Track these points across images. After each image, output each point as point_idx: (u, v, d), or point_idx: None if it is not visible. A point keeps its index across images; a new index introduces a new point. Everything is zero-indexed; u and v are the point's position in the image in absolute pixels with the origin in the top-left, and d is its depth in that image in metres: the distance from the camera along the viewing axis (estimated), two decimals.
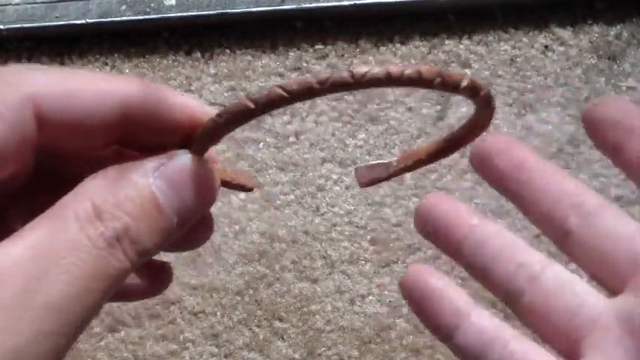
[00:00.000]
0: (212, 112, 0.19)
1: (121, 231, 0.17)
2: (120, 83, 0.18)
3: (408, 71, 0.19)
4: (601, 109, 0.23)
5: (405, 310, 0.58)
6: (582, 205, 0.22)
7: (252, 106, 0.18)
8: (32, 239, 0.16)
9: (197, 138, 0.19)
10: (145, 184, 0.17)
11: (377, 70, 0.19)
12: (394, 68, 0.19)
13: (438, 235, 0.24)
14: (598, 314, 0.22)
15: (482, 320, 0.23)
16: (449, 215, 0.24)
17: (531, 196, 0.23)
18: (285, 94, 0.18)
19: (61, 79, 0.17)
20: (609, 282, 0.22)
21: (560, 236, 0.23)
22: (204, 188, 0.18)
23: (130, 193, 0.17)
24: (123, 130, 0.18)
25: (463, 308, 0.23)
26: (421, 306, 0.24)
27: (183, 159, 0.18)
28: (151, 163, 0.18)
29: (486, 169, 0.24)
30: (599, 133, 0.23)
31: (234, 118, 0.18)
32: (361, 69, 0.18)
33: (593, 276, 0.22)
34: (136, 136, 0.19)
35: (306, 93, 0.18)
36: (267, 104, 0.18)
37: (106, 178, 0.17)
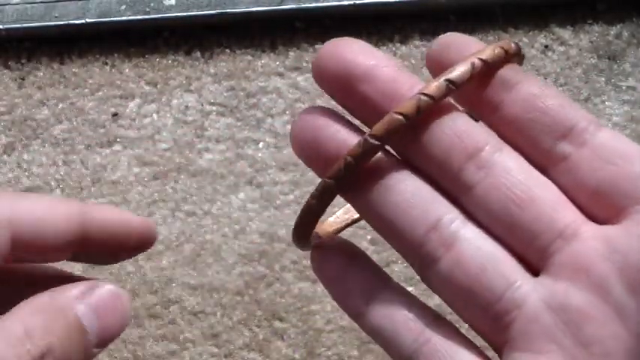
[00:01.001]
0: (148, 222, 0.23)
1: (46, 349, 0.19)
2: (67, 208, 0.22)
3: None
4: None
5: None
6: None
7: None
8: None
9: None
10: (70, 310, 0.20)
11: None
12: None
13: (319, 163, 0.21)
14: (523, 297, 0.19)
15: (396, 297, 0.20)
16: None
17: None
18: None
19: (32, 204, 0.21)
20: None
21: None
22: (120, 313, 0.22)
23: (58, 317, 0.20)
24: (77, 247, 0.22)
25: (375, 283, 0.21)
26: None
27: (105, 288, 0.21)
28: (76, 290, 0.20)
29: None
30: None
31: None
32: None
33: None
34: (86, 248, 0.22)
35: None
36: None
37: (38, 303, 0.20)
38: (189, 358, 0.59)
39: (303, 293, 0.59)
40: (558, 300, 0.19)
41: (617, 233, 0.19)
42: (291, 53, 0.66)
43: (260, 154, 0.63)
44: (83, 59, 0.67)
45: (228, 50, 0.66)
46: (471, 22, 0.66)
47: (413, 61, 0.65)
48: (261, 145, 0.63)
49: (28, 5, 0.66)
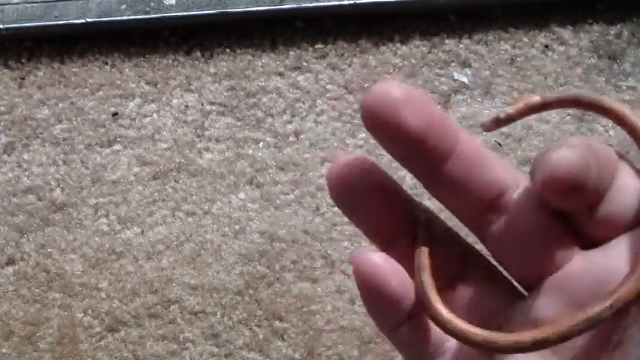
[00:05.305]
0: None
1: None
2: None
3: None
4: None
5: None
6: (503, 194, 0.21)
7: None
8: None
9: None
10: None
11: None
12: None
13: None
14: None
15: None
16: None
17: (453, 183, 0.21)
18: None
19: None
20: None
21: (479, 228, 0.22)
22: None
23: None
24: None
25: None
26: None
27: None
28: None
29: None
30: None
31: None
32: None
33: (513, 275, 0.22)
34: None
35: None
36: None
37: None
38: (189, 358, 0.59)
39: (303, 293, 0.59)
40: (534, 314, 0.21)
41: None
42: (291, 53, 0.66)
43: (260, 154, 0.63)
44: (83, 59, 0.67)
45: (228, 50, 0.66)
46: (471, 22, 0.66)
47: (413, 61, 0.65)
48: (261, 144, 0.63)
49: (28, 5, 0.66)
